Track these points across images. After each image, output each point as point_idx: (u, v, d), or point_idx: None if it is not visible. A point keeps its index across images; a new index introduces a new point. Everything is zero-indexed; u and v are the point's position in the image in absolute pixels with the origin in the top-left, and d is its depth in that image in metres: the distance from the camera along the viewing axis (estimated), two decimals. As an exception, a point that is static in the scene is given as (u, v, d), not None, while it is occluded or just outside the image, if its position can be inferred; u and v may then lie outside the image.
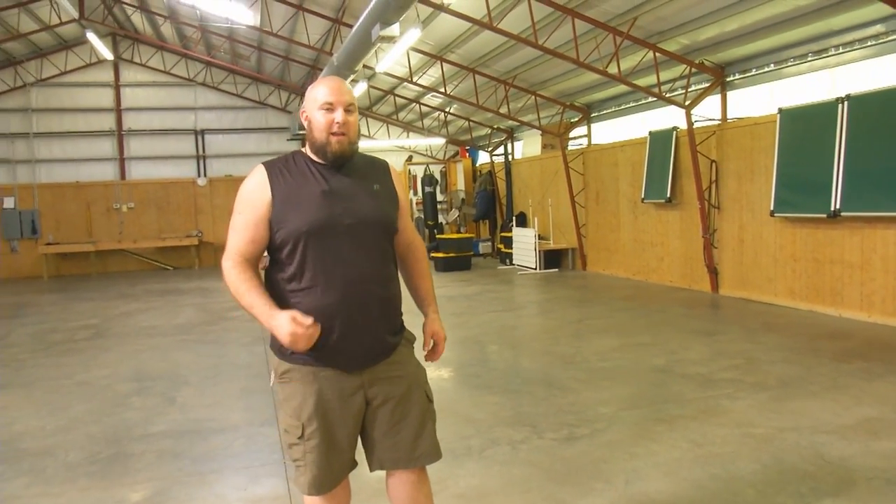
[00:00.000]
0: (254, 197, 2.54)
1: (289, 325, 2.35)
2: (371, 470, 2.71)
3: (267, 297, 2.48)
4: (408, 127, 21.47)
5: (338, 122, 2.53)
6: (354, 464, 2.69)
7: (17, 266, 19.45)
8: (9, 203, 19.48)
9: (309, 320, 2.38)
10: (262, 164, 2.62)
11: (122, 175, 20.50)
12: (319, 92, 2.57)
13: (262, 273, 2.64)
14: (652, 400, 5.71)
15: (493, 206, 20.15)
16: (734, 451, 4.46)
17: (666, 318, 9.33)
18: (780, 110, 9.49)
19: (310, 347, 2.44)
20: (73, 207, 19.98)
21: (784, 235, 9.80)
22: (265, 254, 2.61)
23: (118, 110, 20.46)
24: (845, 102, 8.50)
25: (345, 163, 2.61)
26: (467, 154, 21.85)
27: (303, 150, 2.68)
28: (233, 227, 2.58)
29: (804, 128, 9.16)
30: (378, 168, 2.76)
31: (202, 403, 6.19)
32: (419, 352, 2.81)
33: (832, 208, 8.62)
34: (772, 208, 9.65)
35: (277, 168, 2.59)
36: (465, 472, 4.27)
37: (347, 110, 2.55)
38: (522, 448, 4.69)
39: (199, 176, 21.10)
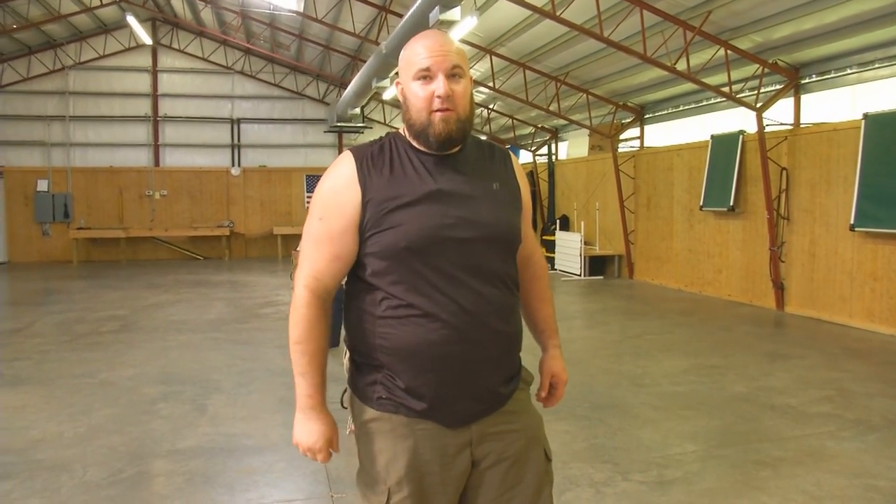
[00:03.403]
0: (340, 197, 1.89)
1: (314, 441, 1.94)
2: None
3: (321, 376, 1.95)
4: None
5: (439, 96, 1.86)
6: None
7: (48, 250, 19.21)
8: (42, 186, 19.23)
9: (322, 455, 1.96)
10: (350, 150, 1.95)
11: (157, 162, 20.15)
12: (414, 53, 1.90)
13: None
14: (745, 437, 5.02)
15: (533, 207, 19.44)
16: (863, 511, 3.77)
17: (733, 337, 8.59)
18: (866, 116, 8.69)
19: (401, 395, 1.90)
20: (105, 192, 19.69)
21: (864, 252, 9.00)
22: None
23: (155, 96, 20.11)
24: (946, 109, 7.73)
25: (455, 149, 1.95)
26: (508, 153, 21.14)
27: (401, 131, 2.01)
28: (308, 236, 1.95)
29: (894, 136, 8.38)
30: (497, 158, 2.08)
31: (236, 415, 5.61)
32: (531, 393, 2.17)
33: (926, 225, 7.85)
34: (852, 222, 8.85)
35: (368, 157, 1.92)
36: (546, 522, 3.57)
37: (452, 75, 1.88)
38: (608, 493, 4.03)
39: (233, 165, 20.68)
